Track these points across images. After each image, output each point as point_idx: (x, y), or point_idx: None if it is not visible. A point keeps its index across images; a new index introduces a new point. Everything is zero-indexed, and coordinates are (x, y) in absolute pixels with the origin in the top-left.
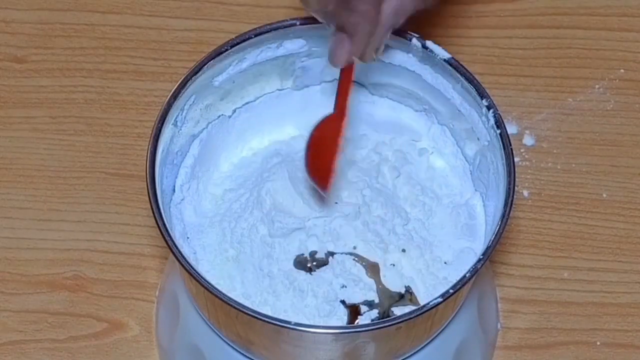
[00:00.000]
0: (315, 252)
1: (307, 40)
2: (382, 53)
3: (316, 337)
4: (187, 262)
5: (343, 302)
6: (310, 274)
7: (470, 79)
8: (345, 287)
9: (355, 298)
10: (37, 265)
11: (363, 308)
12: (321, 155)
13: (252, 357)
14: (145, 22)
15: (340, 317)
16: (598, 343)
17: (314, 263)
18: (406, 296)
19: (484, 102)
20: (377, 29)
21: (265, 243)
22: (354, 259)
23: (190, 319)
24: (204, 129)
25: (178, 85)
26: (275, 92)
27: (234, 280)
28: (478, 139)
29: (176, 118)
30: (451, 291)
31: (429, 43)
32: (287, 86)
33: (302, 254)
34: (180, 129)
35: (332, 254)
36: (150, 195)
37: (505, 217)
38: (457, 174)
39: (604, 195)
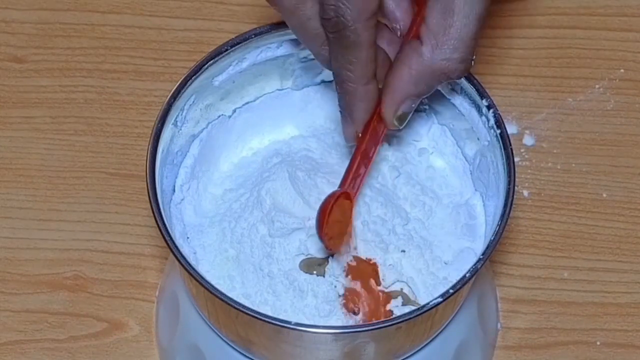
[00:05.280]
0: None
1: None
2: (404, 123)
3: (316, 337)
4: (187, 262)
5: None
6: (323, 276)
7: (470, 79)
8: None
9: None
10: (37, 265)
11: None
12: (333, 226)
13: (252, 357)
14: (145, 22)
15: (340, 317)
16: (598, 343)
17: (326, 265)
18: (406, 296)
19: (484, 102)
20: (389, 100)
21: (265, 243)
22: (354, 259)
23: (190, 319)
24: (204, 129)
25: (178, 85)
26: (275, 92)
27: (234, 280)
28: (478, 139)
29: (176, 118)
30: (451, 291)
31: None
32: (287, 86)
33: (308, 256)
34: (180, 129)
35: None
36: (150, 195)
37: (505, 217)
38: (457, 173)
39: (604, 195)
